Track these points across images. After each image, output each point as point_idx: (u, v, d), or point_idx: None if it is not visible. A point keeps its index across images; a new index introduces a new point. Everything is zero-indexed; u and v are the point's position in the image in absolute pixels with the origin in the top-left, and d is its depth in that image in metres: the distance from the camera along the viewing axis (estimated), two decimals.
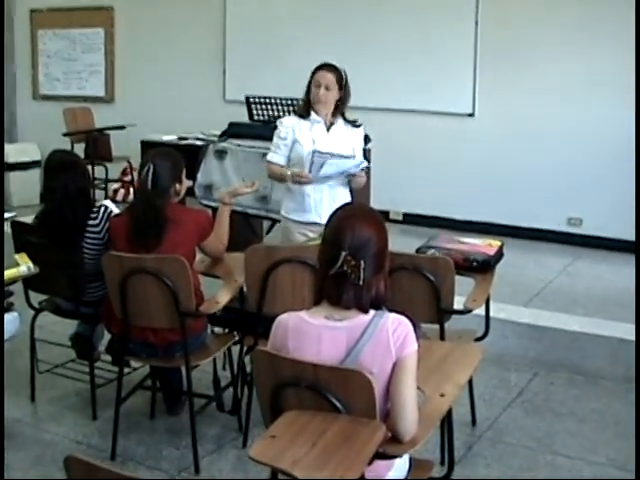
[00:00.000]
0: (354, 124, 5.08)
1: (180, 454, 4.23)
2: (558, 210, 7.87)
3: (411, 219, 8.45)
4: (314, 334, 2.67)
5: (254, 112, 7.25)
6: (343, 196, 4.99)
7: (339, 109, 5.02)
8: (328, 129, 5.01)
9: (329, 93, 4.93)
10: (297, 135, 4.99)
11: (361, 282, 2.64)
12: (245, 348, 4.45)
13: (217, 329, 4.65)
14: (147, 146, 7.92)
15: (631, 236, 7.49)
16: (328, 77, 4.92)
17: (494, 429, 4.59)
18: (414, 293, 4.01)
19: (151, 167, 4.16)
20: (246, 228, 7.24)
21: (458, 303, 4.09)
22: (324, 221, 4.77)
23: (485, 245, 4.57)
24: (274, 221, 7.20)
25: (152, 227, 4.11)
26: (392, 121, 8.34)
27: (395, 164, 8.27)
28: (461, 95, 8.12)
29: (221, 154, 6.97)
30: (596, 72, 7.54)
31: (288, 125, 5.04)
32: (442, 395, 2.85)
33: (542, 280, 6.74)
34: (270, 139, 6.81)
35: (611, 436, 4.53)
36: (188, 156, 6.88)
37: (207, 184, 7.02)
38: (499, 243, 4.64)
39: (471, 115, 8.16)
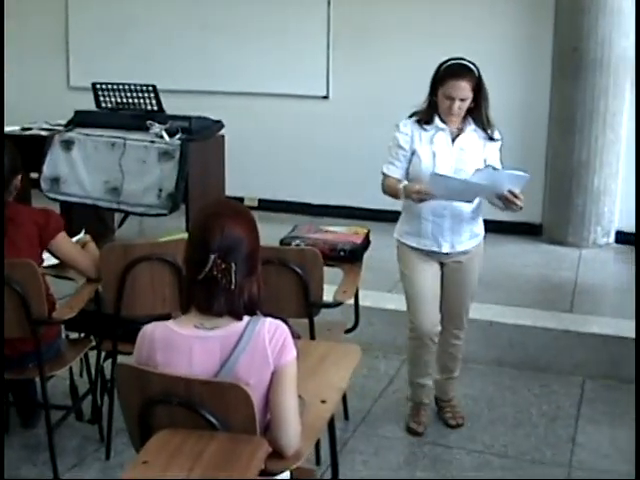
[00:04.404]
0: (490, 137, 4.13)
1: (39, 471, 3.96)
2: None
3: (267, 205, 8.22)
4: (184, 345, 2.43)
5: (101, 99, 6.89)
6: (471, 223, 4.20)
7: (473, 113, 4.10)
8: (454, 140, 4.11)
9: (463, 104, 4.02)
10: (416, 145, 4.13)
11: (233, 287, 2.41)
12: (103, 353, 4.21)
13: (72, 334, 4.35)
14: None
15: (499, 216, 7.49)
16: (463, 88, 3.98)
17: (367, 422, 4.48)
18: (281, 287, 3.82)
19: None
20: (97, 222, 6.91)
21: (326, 293, 3.93)
22: (446, 250, 4.19)
23: (351, 233, 4.42)
24: (127, 213, 6.91)
25: None
26: (246, 105, 8.11)
27: (249, 148, 8.05)
28: (315, 77, 7.94)
29: (68, 144, 6.59)
30: (455, 53, 7.44)
31: (407, 132, 4.17)
32: (323, 401, 2.68)
33: None
34: (119, 127, 6.61)
35: (486, 422, 4.49)
36: (33, 148, 6.57)
37: (54, 177, 6.62)
38: (365, 230, 4.50)
39: (325, 97, 7.99)
